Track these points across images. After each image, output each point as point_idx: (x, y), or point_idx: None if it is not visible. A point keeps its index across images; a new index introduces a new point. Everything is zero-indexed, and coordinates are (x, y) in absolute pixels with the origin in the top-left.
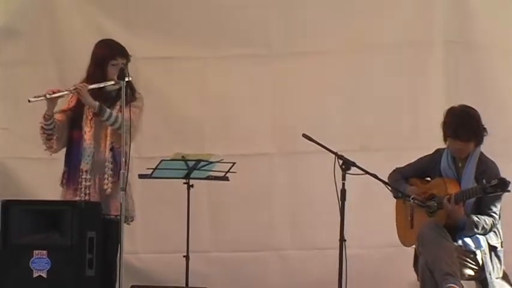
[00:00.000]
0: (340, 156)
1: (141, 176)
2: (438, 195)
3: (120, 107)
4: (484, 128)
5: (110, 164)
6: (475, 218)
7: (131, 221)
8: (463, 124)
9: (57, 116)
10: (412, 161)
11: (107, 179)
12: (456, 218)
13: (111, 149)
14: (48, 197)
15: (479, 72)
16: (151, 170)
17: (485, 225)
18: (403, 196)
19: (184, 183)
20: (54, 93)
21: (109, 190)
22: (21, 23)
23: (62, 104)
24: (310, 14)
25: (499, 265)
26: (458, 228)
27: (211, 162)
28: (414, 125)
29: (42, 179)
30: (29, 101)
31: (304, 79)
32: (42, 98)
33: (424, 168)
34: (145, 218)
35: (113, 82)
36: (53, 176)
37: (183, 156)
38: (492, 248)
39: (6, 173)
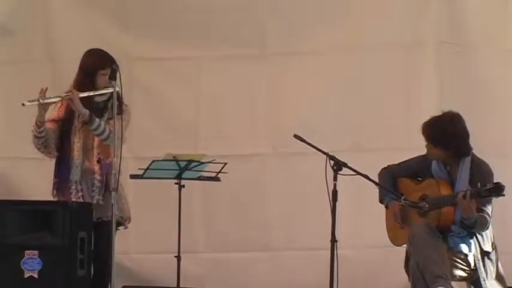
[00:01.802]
0: (331, 157)
1: (132, 177)
2: (431, 196)
3: (108, 119)
4: (458, 136)
5: (98, 176)
6: (486, 216)
7: (128, 222)
8: (428, 125)
9: (48, 125)
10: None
11: (96, 192)
12: (469, 214)
13: (98, 161)
14: (39, 197)
15: (471, 72)
16: (143, 171)
17: (489, 224)
18: (394, 197)
19: (176, 183)
20: (44, 95)
21: (101, 202)
22: (15, 22)
23: (50, 112)
24: (304, 14)
25: (492, 268)
26: (449, 230)
27: (202, 163)
28: (407, 126)
29: (33, 178)
30: (23, 104)
31: (297, 79)
32: (36, 102)
33: (416, 169)
34: (137, 219)
35: (105, 91)
36: (45, 176)
37: (174, 157)
38: (485, 253)
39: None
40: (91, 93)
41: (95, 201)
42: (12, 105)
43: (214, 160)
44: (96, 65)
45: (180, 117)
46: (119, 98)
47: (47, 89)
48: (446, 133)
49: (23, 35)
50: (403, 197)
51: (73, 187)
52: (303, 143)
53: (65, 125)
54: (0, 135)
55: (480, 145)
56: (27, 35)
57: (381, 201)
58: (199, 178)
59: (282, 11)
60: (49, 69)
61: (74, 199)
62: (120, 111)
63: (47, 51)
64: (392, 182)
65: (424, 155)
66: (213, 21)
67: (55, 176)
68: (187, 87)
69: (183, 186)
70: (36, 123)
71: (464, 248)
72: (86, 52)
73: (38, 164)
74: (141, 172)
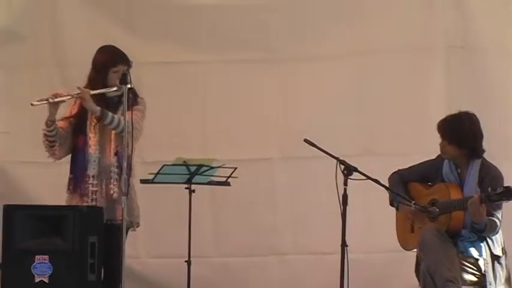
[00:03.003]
0: (342, 162)
1: (143, 181)
2: (441, 200)
3: (123, 111)
4: (474, 135)
5: (116, 169)
6: (496, 220)
7: (137, 226)
8: (445, 121)
9: (60, 124)
10: (415, 164)
11: (113, 184)
12: (479, 219)
13: (116, 153)
14: (50, 201)
15: (481, 76)
16: (153, 175)
17: (499, 228)
18: (404, 202)
19: (186, 188)
20: (56, 97)
21: (115, 195)
22: (23, 25)
23: (63, 111)
24: (314, 18)
25: (501, 272)
26: (459, 234)
27: (212, 167)
28: (417, 130)
29: (44, 183)
30: (32, 104)
31: (307, 84)
32: (45, 101)
33: (426, 173)
34: (147, 223)
35: (115, 89)
36: (55, 180)
37: (184, 161)
38: (495, 257)
39: (8, 178)
40: (102, 91)
41: (112, 192)
42: (22, 109)
43: (224, 165)
44: (108, 62)
45: (188, 121)
46: (134, 92)
47: (57, 94)
48: (463, 130)
49: (31, 39)
50: (413, 202)
51: (89, 181)
52: (312, 148)
53: (80, 121)
54: (11, 139)
55: (488, 148)
56: (35, 40)
57: (392, 204)
58: (210, 183)
59: (291, 15)
60: (57, 73)
61: (89, 193)
62: (135, 103)
63: (55, 55)
64: (403, 186)
65: (434, 159)
66: (222, 26)
67: (71, 172)
68: (195, 91)
69: (193, 190)
70: (46, 122)
71: (474, 252)
72: (98, 49)
73: (49, 169)
74: (151, 177)
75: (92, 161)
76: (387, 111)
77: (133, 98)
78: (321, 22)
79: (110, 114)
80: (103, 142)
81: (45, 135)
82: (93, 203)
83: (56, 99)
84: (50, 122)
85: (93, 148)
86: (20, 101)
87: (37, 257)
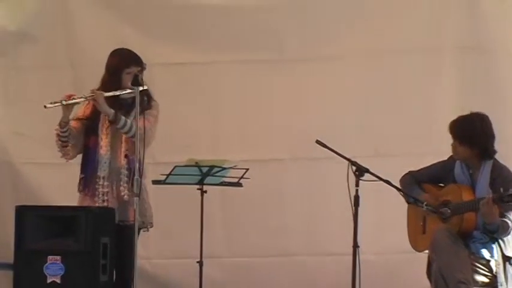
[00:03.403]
0: (353, 163)
1: (154, 182)
2: (453, 202)
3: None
4: (486, 136)
5: (126, 171)
6: (508, 221)
7: (150, 227)
8: (457, 122)
9: (73, 124)
10: (426, 165)
11: (123, 186)
12: (492, 220)
13: (126, 156)
14: (62, 202)
15: (493, 77)
16: (165, 176)
17: (511, 229)
18: (415, 202)
19: (198, 189)
20: (70, 99)
21: (126, 196)
22: (36, 27)
23: (77, 111)
24: (324, 18)
25: None
26: (471, 235)
27: (224, 168)
28: (428, 131)
29: (56, 184)
30: (45, 106)
31: (317, 84)
32: (58, 104)
33: (438, 174)
34: (159, 224)
35: (128, 91)
36: (68, 181)
37: (196, 162)
38: (507, 259)
39: (21, 178)
40: (116, 93)
41: (122, 194)
42: (35, 110)
43: (236, 166)
44: (121, 65)
45: (200, 122)
46: (148, 95)
47: (71, 95)
48: (475, 131)
49: (43, 40)
50: (424, 203)
51: (100, 182)
52: (323, 148)
53: (92, 122)
54: (24, 140)
55: (499, 149)
56: (48, 41)
57: (408, 202)
58: (222, 184)
59: (301, 15)
60: (70, 74)
61: (99, 194)
62: (148, 107)
63: (68, 56)
64: (417, 185)
65: (445, 161)
66: (232, 26)
67: (82, 171)
68: (206, 92)
69: (205, 191)
70: (60, 123)
71: (486, 253)
72: (111, 52)
73: (61, 170)
74: (163, 178)
75: (102, 162)
76: (398, 112)
77: (148, 100)
78: (332, 22)
79: (123, 118)
80: (114, 144)
81: (58, 135)
82: (105, 204)
83: (70, 102)
84: (64, 123)
85: (104, 149)
86: (33, 102)
87: (49, 257)
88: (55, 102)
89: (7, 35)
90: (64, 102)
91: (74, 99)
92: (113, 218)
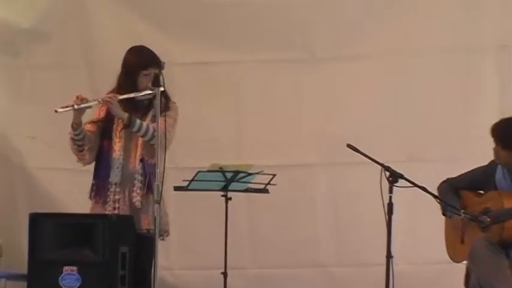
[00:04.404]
0: (387, 168)
1: (176, 188)
2: (493, 209)
3: (153, 116)
4: None
5: (140, 177)
6: None
7: (166, 235)
8: (499, 125)
9: (88, 127)
10: (465, 171)
11: (136, 192)
12: None
13: (141, 161)
14: (78, 209)
15: None
16: (187, 182)
17: None
18: (453, 210)
19: (222, 195)
20: (82, 102)
21: (138, 203)
22: (50, 24)
23: (91, 113)
24: (355, 16)
25: None
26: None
27: (250, 174)
28: (466, 134)
29: (72, 190)
30: (56, 111)
31: (348, 85)
32: (70, 108)
33: (478, 181)
34: (180, 233)
35: (144, 93)
36: (83, 188)
37: (220, 167)
38: None
39: (35, 184)
40: (131, 95)
41: (134, 200)
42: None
43: (262, 171)
44: (138, 65)
45: (223, 125)
46: (166, 96)
47: (83, 98)
48: None
49: (57, 39)
50: (462, 211)
51: (111, 189)
52: (354, 153)
53: (106, 124)
54: (38, 144)
55: None
56: (63, 39)
57: (444, 214)
58: (247, 190)
59: (330, 11)
60: (85, 74)
61: (110, 202)
62: (166, 108)
63: (84, 55)
64: (454, 193)
65: (486, 166)
66: (257, 24)
67: (94, 177)
68: (230, 93)
69: (230, 198)
70: (72, 125)
71: None
72: (128, 50)
73: (77, 175)
74: (185, 183)
75: (115, 168)
76: (434, 115)
77: (165, 102)
78: (363, 19)
79: (138, 121)
80: (128, 148)
81: (72, 139)
82: (116, 212)
83: (82, 106)
84: (76, 126)
85: (117, 153)
86: (47, 103)
87: (65, 268)
88: (66, 107)
89: (20, 33)
90: (76, 107)
91: (87, 101)
92: (132, 226)
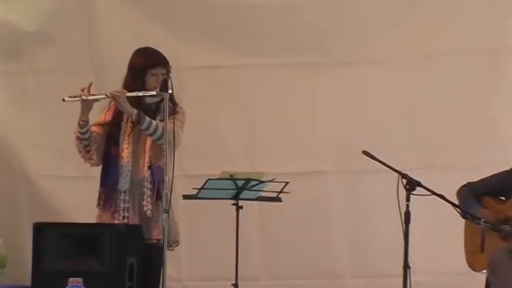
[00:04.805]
0: (404, 175)
1: (185, 197)
2: None
3: (160, 120)
4: None
5: (149, 184)
6: None
7: (176, 245)
8: None
9: (93, 129)
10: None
11: (146, 200)
12: None
13: (149, 167)
14: (82, 217)
15: None
16: (197, 190)
17: None
18: (473, 218)
19: (233, 204)
20: (90, 94)
21: (149, 212)
22: (55, 27)
23: (96, 117)
24: (371, 18)
25: None
26: None
27: (262, 182)
28: (486, 140)
29: (77, 198)
30: (64, 100)
31: (364, 90)
32: (77, 98)
33: (500, 186)
34: (190, 243)
35: (153, 93)
36: (90, 196)
37: (231, 175)
38: None
39: (39, 192)
40: (139, 94)
41: (145, 209)
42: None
43: (274, 179)
44: (145, 65)
45: (234, 131)
46: (173, 100)
47: (91, 84)
48: None
49: (64, 41)
50: (483, 219)
51: (121, 197)
52: (369, 160)
53: (113, 129)
54: (43, 151)
55: None
56: (69, 42)
57: (464, 217)
58: (259, 198)
59: (344, 14)
60: (92, 77)
61: (120, 210)
62: (174, 112)
63: (90, 58)
64: (474, 199)
65: (509, 171)
66: (270, 26)
67: (101, 185)
68: (242, 98)
69: (241, 207)
70: (78, 122)
71: None
72: (135, 51)
73: (83, 183)
74: (194, 192)
75: (123, 175)
76: (452, 120)
77: (173, 106)
78: (380, 22)
79: (148, 118)
80: (136, 154)
81: (78, 138)
82: (125, 221)
83: (90, 97)
84: (83, 122)
85: (125, 160)
86: (52, 109)
87: (70, 279)
88: (74, 96)
89: (23, 36)
90: (83, 97)
91: (95, 94)
92: (140, 236)
